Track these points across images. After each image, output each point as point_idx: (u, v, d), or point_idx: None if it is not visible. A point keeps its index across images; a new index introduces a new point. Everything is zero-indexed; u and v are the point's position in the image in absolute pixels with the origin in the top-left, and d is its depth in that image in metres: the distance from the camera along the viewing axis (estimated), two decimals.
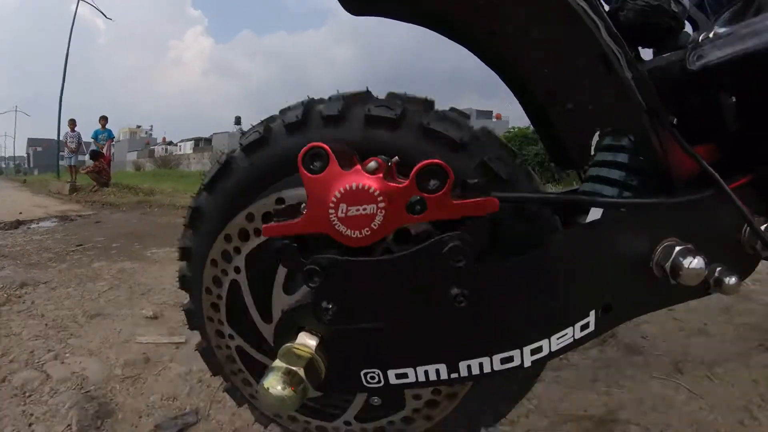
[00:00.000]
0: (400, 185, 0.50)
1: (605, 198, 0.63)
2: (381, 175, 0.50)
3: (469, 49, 0.81)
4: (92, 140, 9.87)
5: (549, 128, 0.87)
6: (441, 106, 0.63)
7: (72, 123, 10.40)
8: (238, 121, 37.75)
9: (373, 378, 0.57)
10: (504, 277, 0.53)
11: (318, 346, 0.56)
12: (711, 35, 0.60)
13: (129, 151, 47.13)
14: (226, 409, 1.01)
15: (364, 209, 0.51)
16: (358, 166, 0.51)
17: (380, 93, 0.64)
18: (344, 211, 0.51)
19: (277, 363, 0.55)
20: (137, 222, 4.53)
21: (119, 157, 45.02)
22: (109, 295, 1.95)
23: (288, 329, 0.58)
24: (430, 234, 0.53)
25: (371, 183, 0.50)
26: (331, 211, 0.52)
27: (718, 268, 0.60)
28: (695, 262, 0.55)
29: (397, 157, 0.57)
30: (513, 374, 0.57)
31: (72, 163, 10.09)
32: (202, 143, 41.19)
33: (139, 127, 55.52)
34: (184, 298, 0.75)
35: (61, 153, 10.73)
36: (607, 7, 0.72)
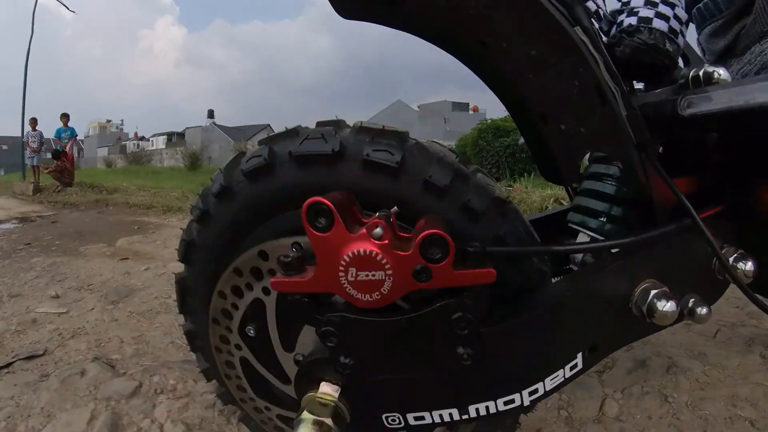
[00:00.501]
0: (406, 254, 0.53)
1: (591, 244, 0.68)
2: (387, 241, 0.53)
3: (459, 59, 0.81)
4: (55, 139, 9.50)
5: (539, 143, 0.91)
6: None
7: (33, 121, 9.89)
8: (210, 114, 36.45)
9: (394, 420, 0.61)
10: (504, 336, 0.58)
11: (340, 393, 0.60)
12: (701, 74, 0.66)
13: (99, 146, 45.25)
14: (65, 350, 1.55)
15: (374, 275, 0.54)
16: (364, 231, 0.53)
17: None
18: (354, 275, 0.54)
19: (305, 415, 0.59)
20: (90, 221, 4.74)
21: (89, 153, 41.90)
22: (33, 282, 2.42)
23: (309, 380, 0.62)
24: (433, 296, 0.57)
25: (379, 251, 0.53)
26: (341, 274, 0.54)
27: (691, 300, 0.66)
28: (668, 306, 0.60)
29: (396, 208, 0.59)
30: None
31: (35, 163, 9.65)
32: (174, 138, 39.79)
33: (109, 121, 52.63)
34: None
35: (26, 152, 10.27)
36: (605, 39, 0.75)
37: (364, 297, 0.55)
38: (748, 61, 0.77)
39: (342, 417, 0.60)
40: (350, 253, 0.53)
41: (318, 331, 0.58)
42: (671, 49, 0.75)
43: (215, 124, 35.67)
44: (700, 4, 0.82)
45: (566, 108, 0.68)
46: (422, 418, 0.61)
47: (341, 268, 0.54)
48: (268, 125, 36.26)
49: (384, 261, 0.53)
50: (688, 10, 0.95)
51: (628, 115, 0.62)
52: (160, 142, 40.89)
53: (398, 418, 0.61)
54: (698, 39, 0.88)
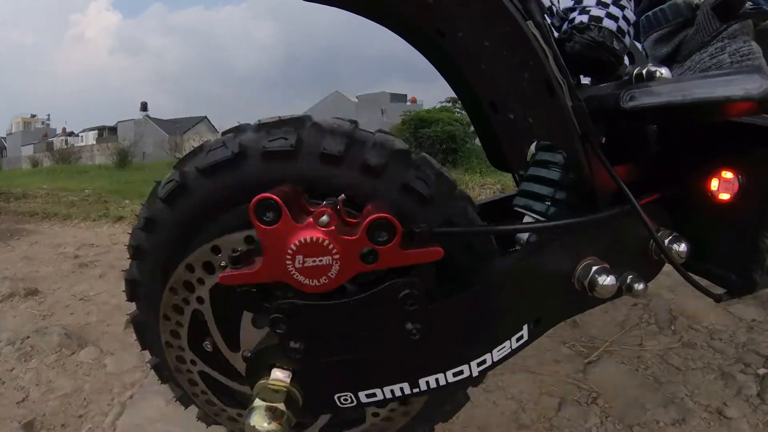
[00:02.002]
0: (353, 238, 0.54)
1: (536, 224, 0.71)
2: (334, 227, 0.54)
3: (414, 46, 0.83)
4: None
5: (488, 131, 0.93)
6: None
7: None
8: (144, 107, 34.42)
9: (346, 400, 0.63)
10: (451, 310, 0.60)
11: (292, 378, 0.61)
12: (644, 72, 0.69)
13: (23, 144, 40.67)
14: None
15: (321, 261, 0.54)
16: (311, 220, 0.54)
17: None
18: (301, 262, 0.55)
19: (258, 402, 0.59)
20: None
21: (13, 152, 37.88)
22: None
23: (260, 367, 0.62)
24: (381, 276, 0.58)
25: (325, 237, 0.54)
26: (288, 262, 0.55)
27: (630, 276, 0.70)
28: (608, 280, 0.64)
29: (343, 195, 0.61)
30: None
31: None
32: (106, 133, 36.83)
33: (34, 116, 46.74)
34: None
35: None
36: (556, 34, 0.77)
37: (312, 282, 0.56)
38: (689, 67, 0.82)
39: (294, 401, 0.61)
40: (297, 242, 0.54)
41: (266, 319, 0.59)
42: (618, 48, 0.79)
43: (149, 117, 33.63)
44: (649, 13, 0.86)
45: (515, 98, 0.70)
46: (374, 395, 0.62)
47: (288, 256, 0.55)
48: (205, 117, 34.83)
49: (331, 246, 0.54)
50: (636, 16, 0.99)
51: (574, 106, 0.64)
52: (91, 138, 37.70)
53: (350, 396, 0.62)
54: (643, 44, 0.93)
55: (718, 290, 0.75)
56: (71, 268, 2.44)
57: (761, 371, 1.24)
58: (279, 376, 0.61)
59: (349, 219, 0.58)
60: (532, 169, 0.82)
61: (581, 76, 0.85)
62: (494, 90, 0.72)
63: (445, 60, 0.83)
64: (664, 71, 0.69)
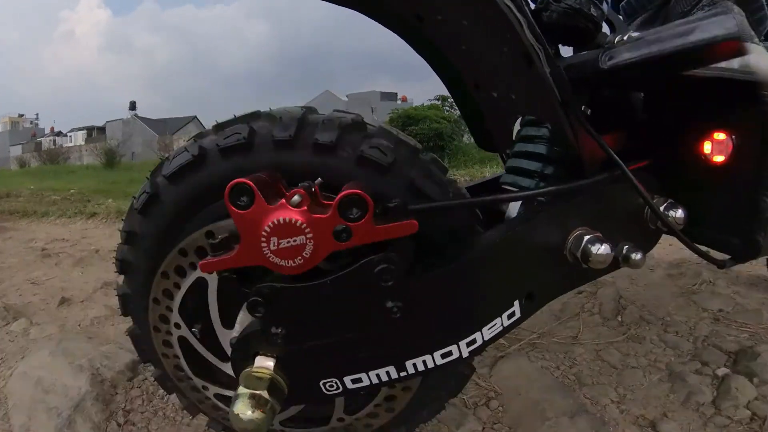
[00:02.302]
0: (325, 216, 0.53)
1: (519, 192, 0.69)
2: (306, 207, 0.54)
3: (397, 33, 0.83)
4: None
5: (474, 113, 0.94)
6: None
7: None
8: (133, 106, 34.29)
9: (332, 386, 0.61)
10: (432, 286, 0.58)
11: (276, 365, 0.60)
12: (625, 38, 0.66)
13: (12, 144, 40.39)
14: None
15: (294, 241, 0.54)
16: (284, 201, 0.54)
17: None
18: (276, 244, 0.54)
19: (242, 389, 0.58)
20: None
21: (1, 152, 37.48)
22: None
23: (244, 355, 0.61)
24: (358, 254, 0.57)
25: (297, 216, 0.53)
26: (263, 245, 0.55)
27: (626, 246, 0.68)
28: (602, 249, 0.62)
29: (320, 179, 0.60)
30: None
31: None
32: (95, 133, 36.83)
33: (22, 115, 47.57)
34: None
35: None
36: (533, 6, 0.77)
37: (288, 263, 0.55)
38: None
39: (279, 389, 0.60)
40: (271, 224, 0.54)
41: (246, 304, 0.58)
42: (596, 14, 0.77)
43: (137, 117, 33.63)
44: None
45: (497, 75, 0.70)
46: (359, 380, 0.60)
47: (263, 239, 0.55)
48: (195, 117, 34.72)
49: (304, 226, 0.54)
50: (614, 5, 0.99)
51: (552, 72, 0.63)
52: (80, 138, 37.70)
53: (336, 383, 0.61)
54: (623, 6, 0.92)
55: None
56: (34, 258, 2.60)
57: (721, 371, 1.01)
58: (263, 363, 0.60)
59: (325, 201, 0.58)
60: (519, 145, 0.81)
61: (562, 47, 0.84)
62: (476, 69, 0.72)
63: (426, 45, 0.83)
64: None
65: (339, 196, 0.52)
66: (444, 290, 0.59)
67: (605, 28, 0.84)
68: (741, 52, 0.56)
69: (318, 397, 0.62)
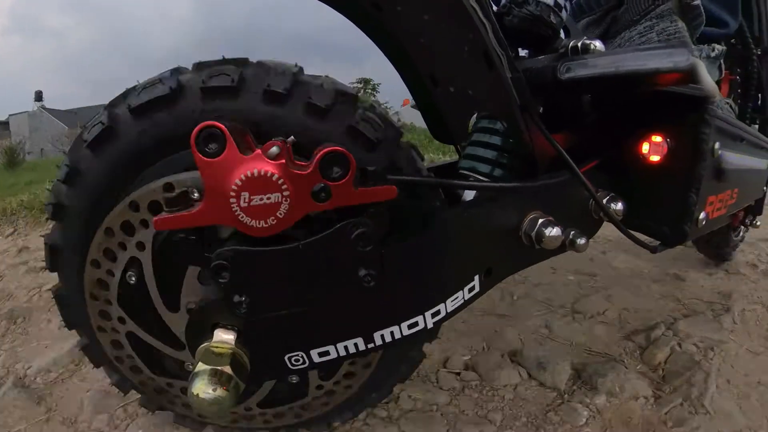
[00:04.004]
0: (305, 172, 0.51)
1: (483, 182, 0.72)
2: (284, 161, 0.51)
3: (352, 20, 0.81)
4: None
5: (430, 105, 0.94)
6: None
7: None
8: (39, 96, 30.18)
9: (297, 360, 0.58)
10: (404, 255, 0.58)
11: (237, 339, 0.56)
12: (579, 45, 0.72)
13: None
14: None
15: (269, 198, 0.51)
16: (259, 151, 0.50)
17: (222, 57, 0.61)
18: (247, 200, 0.51)
19: (200, 366, 0.53)
20: None
21: None
22: None
23: (201, 329, 0.57)
24: (331, 219, 0.55)
25: (275, 170, 0.50)
26: (232, 200, 0.50)
27: (572, 232, 0.73)
28: (554, 231, 0.66)
29: (293, 137, 0.57)
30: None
31: None
32: None
33: None
34: None
35: None
36: (495, 8, 0.80)
37: (259, 223, 0.52)
38: (619, 44, 0.88)
39: (241, 364, 0.56)
40: (243, 176, 0.50)
41: (207, 270, 0.54)
42: (555, 22, 0.83)
43: (45, 109, 29.77)
44: None
45: (455, 71, 0.71)
46: (327, 353, 0.58)
47: (233, 193, 0.50)
48: None
49: (280, 181, 0.50)
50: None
51: (513, 77, 0.66)
52: None
53: (302, 357, 0.58)
54: (570, 7, 0.98)
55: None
56: None
57: None
58: (223, 337, 0.56)
59: (298, 162, 0.55)
60: (476, 135, 0.84)
61: (520, 49, 0.88)
62: (434, 64, 0.73)
63: (383, 34, 0.83)
64: (597, 44, 0.74)
65: (321, 153, 0.50)
66: (414, 261, 0.59)
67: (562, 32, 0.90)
68: (691, 81, 0.62)
69: (283, 373, 0.59)
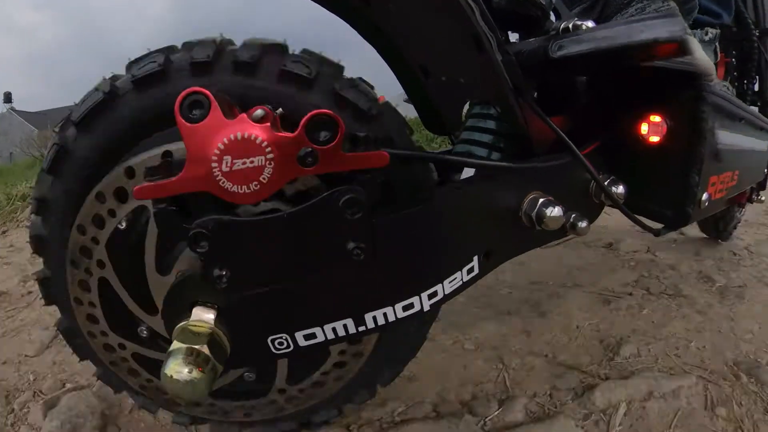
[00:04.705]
0: (291, 135, 0.48)
1: (483, 160, 0.69)
2: (269, 124, 0.48)
3: (339, 15, 0.80)
4: None
5: (422, 96, 0.92)
6: None
7: None
8: (8, 98, 29.33)
9: (281, 343, 0.55)
10: (397, 229, 0.55)
11: (216, 318, 0.52)
12: (570, 26, 0.70)
13: None
14: None
15: (252, 162, 0.47)
16: (243, 115, 0.48)
17: None
18: (229, 164, 0.47)
19: (176, 345, 0.49)
20: None
21: None
22: None
23: (179, 306, 0.53)
24: (318, 189, 0.52)
25: (259, 132, 0.47)
26: (214, 165, 0.47)
27: (573, 215, 0.70)
28: (555, 211, 0.63)
29: (281, 110, 0.54)
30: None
31: None
32: None
33: None
34: None
35: None
36: None
37: (241, 189, 0.48)
38: None
39: (220, 346, 0.52)
40: (226, 139, 0.47)
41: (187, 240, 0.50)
42: (544, 2, 0.82)
43: (13, 110, 28.81)
44: None
45: (446, 59, 0.69)
46: (313, 335, 0.54)
47: (214, 158, 0.47)
48: None
49: (264, 144, 0.47)
50: None
51: (504, 60, 0.65)
52: None
53: (286, 339, 0.54)
54: None
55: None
56: None
57: None
58: (201, 315, 0.52)
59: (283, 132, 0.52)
60: (471, 121, 0.82)
61: (509, 33, 0.87)
62: (424, 54, 0.72)
63: (372, 28, 0.81)
64: (589, 24, 0.73)
65: (308, 115, 0.47)
66: (409, 235, 0.56)
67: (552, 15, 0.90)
68: (684, 52, 0.60)
69: (265, 357, 0.54)
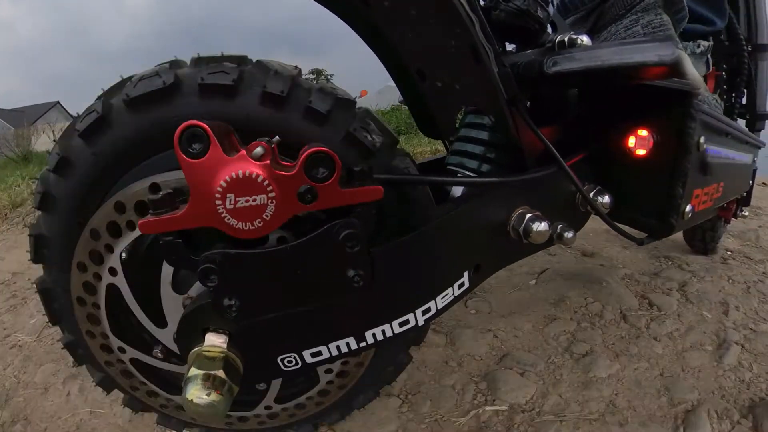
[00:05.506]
0: (290, 174, 0.50)
1: (473, 178, 0.72)
2: (268, 161, 0.50)
3: (339, 16, 0.81)
4: None
5: (417, 100, 0.93)
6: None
7: None
8: None
9: (290, 362, 0.59)
10: (393, 255, 0.58)
11: (228, 342, 0.56)
12: (566, 40, 0.73)
13: None
14: None
15: (254, 200, 0.50)
16: (243, 152, 0.50)
17: (184, 51, 0.48)
18: (233, 202, 0.50)
19: (193, 371, 0.53)
20: None
21: None
22: None
23: (192, 333, 0.56)
24: (318, 220, 0.55)
25: (259, 171, 0.49)
26: (218, 203, 0.50)
27: (560, 226, 0.74)
28: (542, 226, 0.67)
29: (278, 137, 0.56)
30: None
31: None
32: None
33: None
34: None
35: None
36: (483, 2, 0.79)
37: (245, 226, 0.51)
38: (605, 38, 0.88)
39: (234, 368, 0.56)
40: (228, 177, 0.49)
41: (196, 272, 0.53)
42: (542, 16, 0.83)
43: None
44: None
45: (443, 66, 0.70)
46: (319, 353, 0.59)
47: (218, 195, 0.50)
48: (57, 103, 29.87)
49: (266, 183, 0.50)
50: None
51: (500, 72, 0.66)
52: None
53: (294, 358, 0.58)
54: (556, 6, 0.98)
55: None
56: None
57: None
58: (214, 341, 0.56)
59: (283, 162, 0.55)
60: (463, 130, 0.84)
61: (507, 43, 0.88)
62: (421, 58, 0.72)
63: (370, 29, 0.82)
64: (584, 38, 0.74)
65: (305, 153, 0.50)
66: (403, 261, 0.59)
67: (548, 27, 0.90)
68: (674, 75, 0.62)
69: (276, 374, 0.59)
